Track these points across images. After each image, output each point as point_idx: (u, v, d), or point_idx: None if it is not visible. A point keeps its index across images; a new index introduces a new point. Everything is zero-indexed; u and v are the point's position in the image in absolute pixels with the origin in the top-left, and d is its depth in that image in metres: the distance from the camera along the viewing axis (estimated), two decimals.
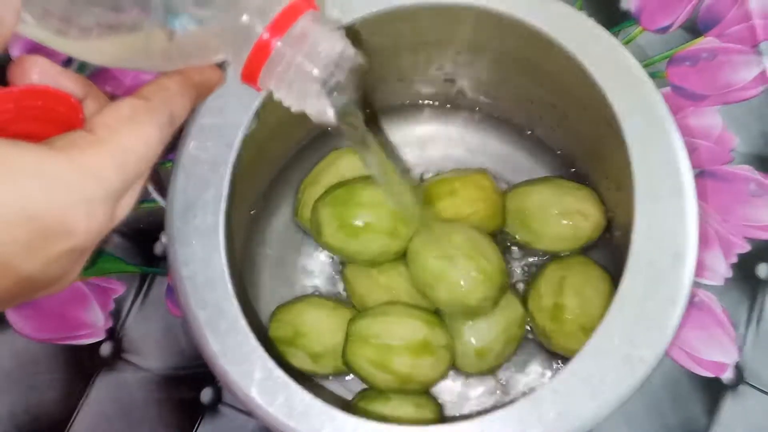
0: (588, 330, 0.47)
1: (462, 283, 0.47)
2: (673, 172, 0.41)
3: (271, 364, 0.39)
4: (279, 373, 0.39)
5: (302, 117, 0.54)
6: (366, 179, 0.50)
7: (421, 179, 0.55)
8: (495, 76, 0.53)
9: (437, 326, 0.48)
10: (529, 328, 0.52)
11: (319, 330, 0.49)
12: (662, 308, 0.39)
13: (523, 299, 0.51)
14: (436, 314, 0.49)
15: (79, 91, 0.30)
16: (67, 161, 0.26)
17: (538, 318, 0.50)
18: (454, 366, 0.50)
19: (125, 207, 0.30)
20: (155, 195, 0.44)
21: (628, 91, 0.43)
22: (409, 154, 0.56)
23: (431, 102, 0.56)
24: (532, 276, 0.52)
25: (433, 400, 0.50)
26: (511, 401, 0.38)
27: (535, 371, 0.52)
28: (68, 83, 0.30)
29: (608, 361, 0.39)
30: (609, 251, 0.52)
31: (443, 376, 0.49)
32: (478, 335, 0.49)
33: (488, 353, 0.49)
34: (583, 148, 0.53)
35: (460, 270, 0.47)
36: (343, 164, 0.52)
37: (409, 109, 0.57)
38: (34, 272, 0.26)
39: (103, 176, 0.27)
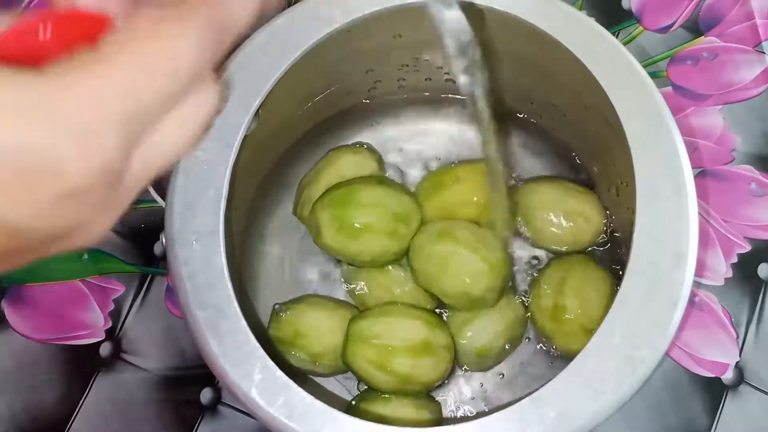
0: (588, 330, 0.47)
1: (466, 273, 0.46)
2: (674, 171, 0.41)
3: (271, 364, 0.39)
4: (279, 374, 0.39)
5: (300, 115, 0.54)
6: (365, 179, 0.50)
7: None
8: (495, 76, 0.53)
9: (438, 327, 0.48)
10: (530, 329, 0.52)
11: (319, 330, 0.49)
12: (663, 308, 0.39)
13: (525, 299, 0.51)
14: (437, 315, 0.49)
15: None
16: (55, 87, 0.21)
17: (539, 318, 0.50)
18: (454, 365, 0.50)
19: (158, 149, 0.24)
20: (154, 195, 0.44)
21: (628, 90, 0.43)
22: (410, 151, 0.56)
23: (432, 100, 0.56)
24: (534, 276, 0.52)
25: (434, 400, 0.50)
26: (512, 402, 0.38)
27: (535, 371, 0.52)
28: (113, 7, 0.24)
29: (609, 361, 0.38)
30: (610, 251, 0.52)
31: (444, 376, 0.48)
32: (479, 334, 0.49)
33: (489, 352, 0.49)
34: (583, 148, 0.53)
35: (465, 261, 0.47)
36: (343, 164, 0.52)
37: (410, 106, 0.57)
38: (25, 221, 0.22)
39: (101, 100, 0.22)
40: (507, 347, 0.50)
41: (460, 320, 0.49)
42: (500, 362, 0.51)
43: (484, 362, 0.50)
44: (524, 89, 0.52)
